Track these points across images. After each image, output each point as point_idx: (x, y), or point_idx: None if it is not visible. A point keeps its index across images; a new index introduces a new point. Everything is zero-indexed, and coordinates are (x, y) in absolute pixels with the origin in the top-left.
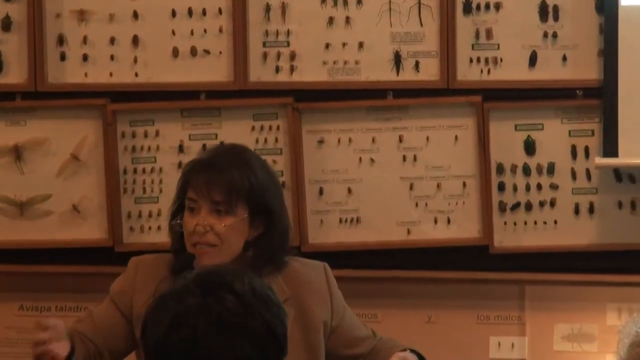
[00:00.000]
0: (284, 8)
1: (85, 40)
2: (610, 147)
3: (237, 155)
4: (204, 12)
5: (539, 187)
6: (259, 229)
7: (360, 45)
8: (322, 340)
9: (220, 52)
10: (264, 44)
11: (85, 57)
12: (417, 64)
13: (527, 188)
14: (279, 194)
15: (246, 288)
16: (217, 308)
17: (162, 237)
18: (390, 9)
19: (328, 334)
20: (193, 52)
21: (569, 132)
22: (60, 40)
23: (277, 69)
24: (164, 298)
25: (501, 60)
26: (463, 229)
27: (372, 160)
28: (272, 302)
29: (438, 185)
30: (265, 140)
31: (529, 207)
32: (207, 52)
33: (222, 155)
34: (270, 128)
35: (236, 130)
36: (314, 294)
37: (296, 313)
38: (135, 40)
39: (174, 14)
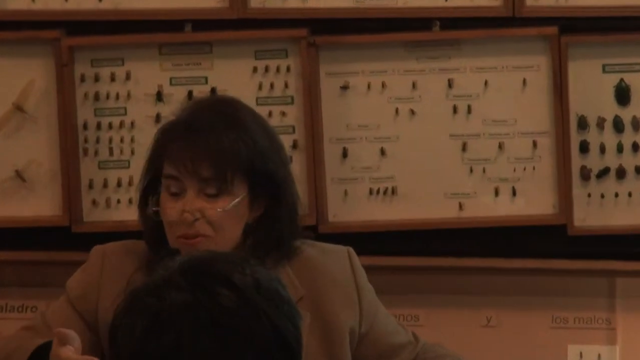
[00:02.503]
0: None
1: None
2: None
3: (224, 112)
4: None
5: (635, 147)
6: (260, 208)
7: None
8: (349, 352)
9: None
10: None
11: None
12: None
13: (619, 149)
14: (284, 160)
15: (248, 280)
16: (209, 306)
17: (134, 214)
18: None
19: (356, 343)
20: None
21: None
22: None
23: None
24: (139, 294)
25: None
26: (533, 202)
27: (412, 112)
28: (281, 298)
29: (500, 145)
30: (272, 85)
31: (621, 174)
32: None
33: (205, 112)
34: (277, 70)
35: (232, 73)
36: (336, 290)
37: (313, 317)
38: None
39: None
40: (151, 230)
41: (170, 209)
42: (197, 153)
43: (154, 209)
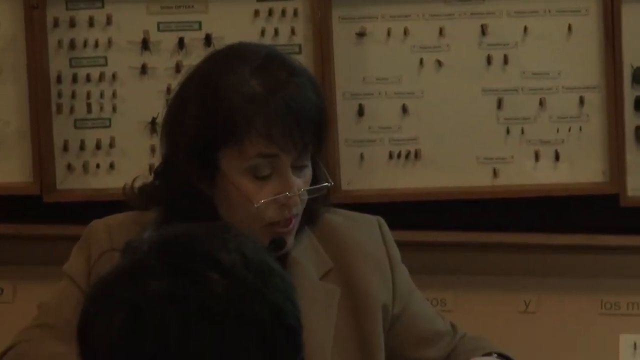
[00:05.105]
0: None
1: None
2: None
3: (293, 63)
4: None
5: None
6: None
7: None
8: (381, 330)
9: None
10: None
11: None
12: None
13: None
14: None
15: (235, 257)
16: (196, 294)
17: (116, 181)
18: None
19: (388, 324)
20: None
21: None
22: None
23: None
24: (110, 284)
25: None
26: (579, 168)
27: (438, 63)
28: (273, 272)
29: (541, 102)
30: (276, 32)
31: None
32: None
33: (282, 63)
34: (283, 13)
35: (230, 17)
36: (367, 262)
37: (343, 292)
38: None
39: None
40: (194, 207)
41: (258, 193)
42: (305, 117)
43: (262, 201)
